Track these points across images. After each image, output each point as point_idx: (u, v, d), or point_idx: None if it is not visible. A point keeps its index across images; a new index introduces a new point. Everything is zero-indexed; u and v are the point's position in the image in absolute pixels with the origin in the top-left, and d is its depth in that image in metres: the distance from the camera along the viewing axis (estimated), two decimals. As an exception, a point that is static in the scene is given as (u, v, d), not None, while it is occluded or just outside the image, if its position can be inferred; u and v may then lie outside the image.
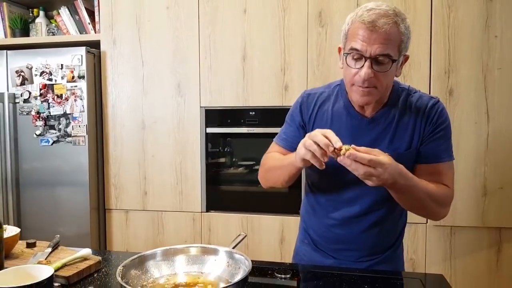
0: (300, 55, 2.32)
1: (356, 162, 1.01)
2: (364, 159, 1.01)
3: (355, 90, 1.16)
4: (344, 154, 1.02)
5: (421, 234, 2.26)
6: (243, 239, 1.27)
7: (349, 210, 1.27)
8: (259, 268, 1.26)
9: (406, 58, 1.19)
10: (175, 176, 2.51)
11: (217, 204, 2.48)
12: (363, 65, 1.10)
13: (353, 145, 1.04)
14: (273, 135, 1.43)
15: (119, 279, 0.95)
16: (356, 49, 1.10)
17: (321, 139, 1.04)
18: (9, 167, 2.55)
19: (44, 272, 1.04)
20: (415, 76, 2.20)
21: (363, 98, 1.16)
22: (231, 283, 0.95)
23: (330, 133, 1.05)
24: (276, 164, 1.30)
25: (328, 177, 1.29)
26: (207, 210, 2.48)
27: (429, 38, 2.18)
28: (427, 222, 2.24)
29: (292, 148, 1.29)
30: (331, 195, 1.30)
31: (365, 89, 1.13)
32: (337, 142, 1.02)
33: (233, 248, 1.16)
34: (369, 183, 1.05)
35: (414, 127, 1.21)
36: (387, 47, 1.08)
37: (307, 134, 1.10)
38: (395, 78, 1.22)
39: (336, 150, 1.03)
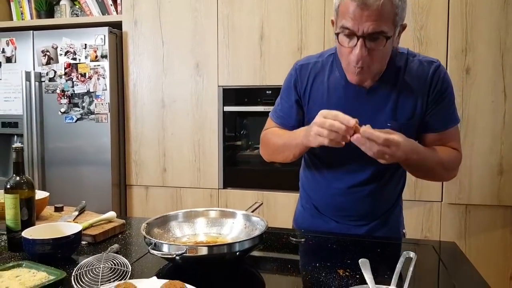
0: (317, 34, 2.34)
1: (370, 141, 1.00)
2: (380, 137, 0.99)
3: (349, 69, 1.12)
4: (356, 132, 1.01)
5: (435, 212, 2.28)
6: (259, 206, 1.32)
7: (352, 180, 1.27)
8: (275, 233, 1.32)
9: (404, 27, 1.12)
10: (193, 153, 2.57)
11: (234, 181, 2.55)
12: (356, 44, 1.05)
13: (368, 126, 1.02)
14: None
15: (143, 233, 1.02)
16: (347, 28, 1.04)
17: (339, 126, 1.01)
18: (35, 144, 2.65)
19: (73, 228, 1.12)
20: (431, 54, 2.15)
21: (357, 78, 1.13)
22: (248, 238, 1.01)
23: (341, 116, 1.02)
24: (282, 143, 1.27)
25: (332, 150, 1.30)
26: (224, 187, 2.55)
27: (446, 16, 2.18)
28: (442, 200, 2.26)
29: (288, 125, 1.30)
30: (334, 166, 1.30)
31: (358, 69, 1.09)
32: (349, 121, 1.01)
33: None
34: (381, 161, 1.05)
35: (416, 96, 1.18)
36: (380, 23, 1.02)
37: (316, 121, 1.06)
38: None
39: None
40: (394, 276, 0.82)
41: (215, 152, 2.54)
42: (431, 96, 1.18)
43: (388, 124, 1.17)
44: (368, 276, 0.78)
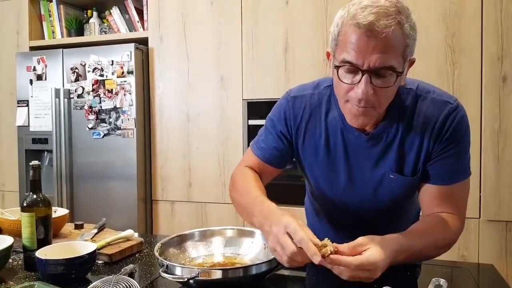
0: (343, 45, 2.27)
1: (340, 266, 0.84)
2: (351, 264, 0.83)
3: (350, 108, 0.94)
4: (324, 256, 0.83)
5: (473, 229, 2.13)
6: (280, 224, 1.26)
7: (354, 232, 1.09)
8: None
9: (412, 62, 0.96)
10: (218, 168, 2.54)
11: (259, 196, 2.49)
12: (359, 81, 0.88)
13: (334, 244, 0.86)
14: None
15: (156, 254, 0.98)
16: (349, 62, 0.88)
17: (300, 260, 0.85)
18: (63, 160, 2.70)
19: (88, 248, 1.09)
20: (464, 63, 2.09)
21: (358, 120, 0.95)
22: (265, 260, 0.95)
23: (305, 244, 0.82)
24: (243, 202, 1.09)
25: (327, 207, 1.20)
26: (250, 202, 2.49)
27: (480, 22, 2.06)
28: (480, 216, 2.12)
29: (269, 160, 1.17)
30: (332, 219, 1.21)
31: (361, 109, 0.92)
32: (313, 256, 0.81)
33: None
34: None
35: (421, 142, 1.00)
36: (390, 56, 0.86)
37: (274, 231, 0.88)
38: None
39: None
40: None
41: (239, 166, 2.50)
42: (437, 144, 0.99)
43: (391, 176, 1.04)
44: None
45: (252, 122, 2.47)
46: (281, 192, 2.45)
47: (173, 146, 2.64)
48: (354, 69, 0.89)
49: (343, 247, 0.85)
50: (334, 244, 0.86)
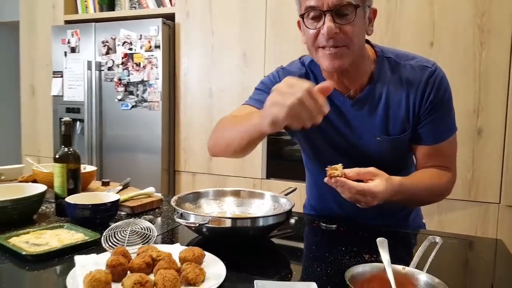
0: (367, 24, 2.27)
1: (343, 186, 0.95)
2: (353, 188, 0.94)
3: (322, 55, 1.01)
4: (331, 176, 0.95)
5: (492, 214, 2.12)
6: (292, 191, 1.32)
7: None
8: (306, 218, 1.31)
9: (374, 12, 1.05)
10: (239, 142, 2.61)
11: (278, 172, 2.55)
12: (324, 22, 0.97)
13: (345, 171, 0.96)
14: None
15: (173, 204, 1.06)
16: (311, 7, 0.98)
17: (310, 103, 0.79)
18: (94, 129, 2.83)
19: (112, 198, 1.18)
20: (493, 44, 2.05)
21: (334, 62, 1.00)
22: (272, 214, 1.01)
23: (315, 92, 0.80)
24: (233, 123, 1.07)
25: (318, 174, 1.22)
26: (267, 177, 2.56)
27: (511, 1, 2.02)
28: (499, 202, 2.10)
29: None
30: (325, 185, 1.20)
31: (333, 50, 0.99)
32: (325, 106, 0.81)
33: (283, 196, 1.22)
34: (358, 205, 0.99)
35: (407, 106, 1.07)
36: None
37: (277, 88, 0.82)
38: (378, 44, 1.10)
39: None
40: (414, 258, 0.79)
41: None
42: (423, 107, 1.07)
43: (378, 138, 1.11)
44: (384, 256, 0.75)
45: (274, 98, 2.51)
46: (284, 168, 2.51)
47: (196, 120, 2.73)
48: (317, 14, 0.98)
49: (352, 172, 0.96)
50: (344, 170, 0.96)
